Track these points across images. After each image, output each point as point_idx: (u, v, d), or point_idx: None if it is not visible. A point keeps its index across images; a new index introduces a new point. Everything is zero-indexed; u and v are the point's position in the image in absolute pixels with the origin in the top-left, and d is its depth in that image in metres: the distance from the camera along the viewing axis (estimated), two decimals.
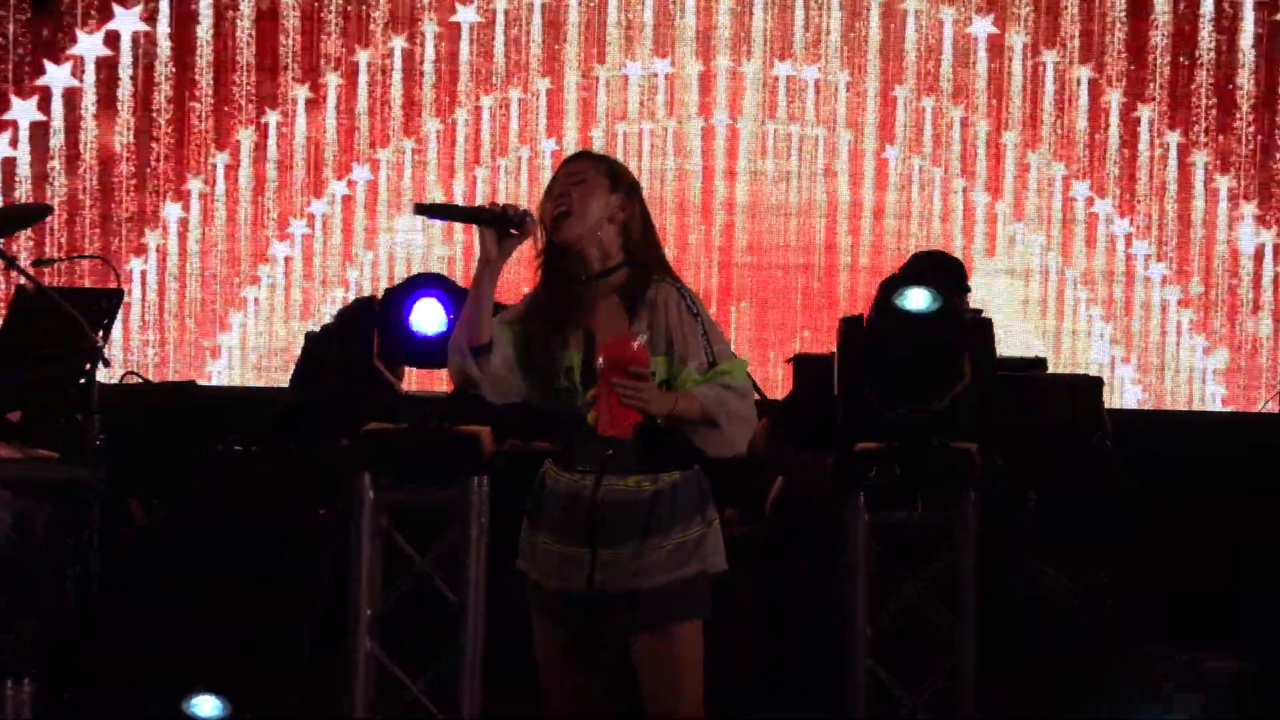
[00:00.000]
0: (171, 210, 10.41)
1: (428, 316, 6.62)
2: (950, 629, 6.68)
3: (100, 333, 7.70)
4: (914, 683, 6.73)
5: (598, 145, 10.19)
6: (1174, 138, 10.31)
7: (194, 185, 10.38)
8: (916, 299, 6.68)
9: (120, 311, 8.59)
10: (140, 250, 10.39)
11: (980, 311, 7.45)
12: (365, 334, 6.81)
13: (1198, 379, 10.23)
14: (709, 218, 10.37)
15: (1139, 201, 10.26)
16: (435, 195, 10.32)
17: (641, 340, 5.26)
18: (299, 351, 8.45)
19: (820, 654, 7.02)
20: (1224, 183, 10.20)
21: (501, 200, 5.37)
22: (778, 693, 7.36)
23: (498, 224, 5.28)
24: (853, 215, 10.33)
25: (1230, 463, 8.79)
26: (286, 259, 10.39)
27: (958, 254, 9.40)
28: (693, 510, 5.40)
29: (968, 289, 7.74)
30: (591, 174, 5.40)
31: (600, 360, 5.23)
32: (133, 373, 8.89)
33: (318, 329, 8.45)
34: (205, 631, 7.69)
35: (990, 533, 6.76)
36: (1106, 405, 7.95)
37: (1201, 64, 10.24)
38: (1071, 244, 10.29)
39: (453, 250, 10.23)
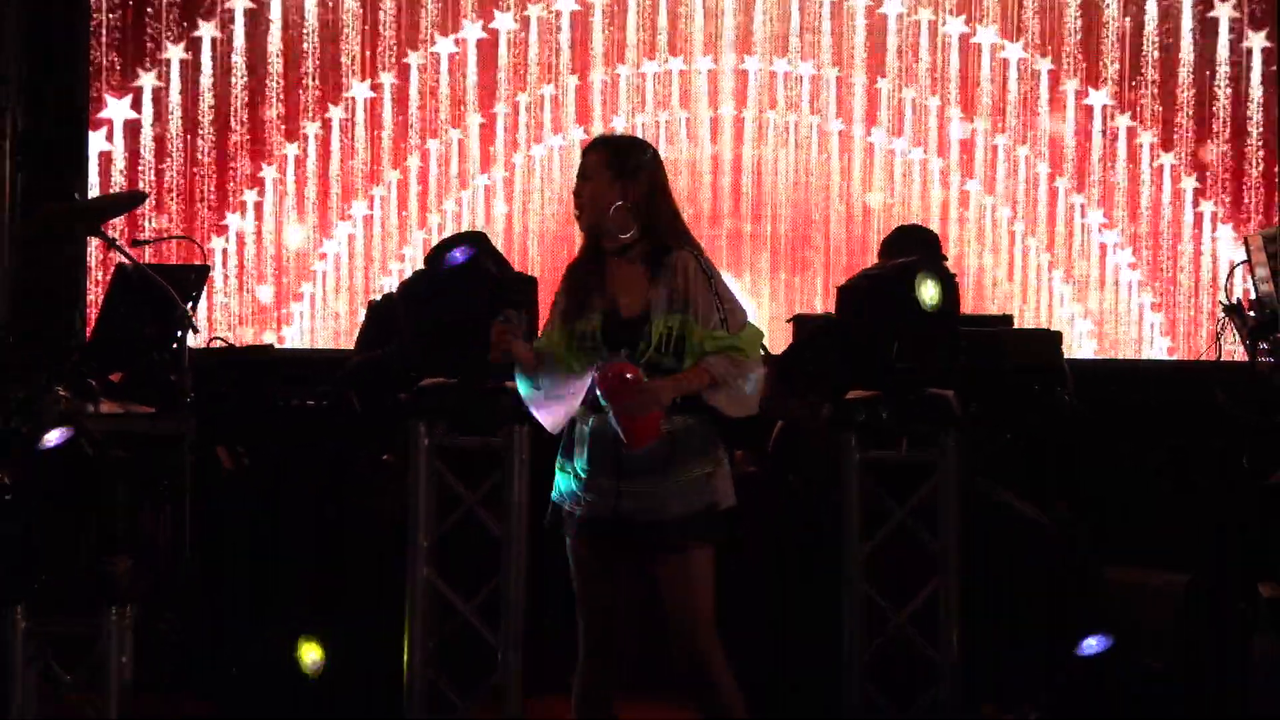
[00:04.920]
0: (248, 195, 10.54)
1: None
2: (935, 551, 6.75)
3: (190, 303, 7.88)
4: (902, 600, 6.82)
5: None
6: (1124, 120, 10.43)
7: (267, 174, 10.50)
8: (929, 295, 6.76)
9: (206, 284, 8.83)
10: (221, 230, 10.51)
11: (953, 276, 7.55)
12: (424, 302, 6.87)
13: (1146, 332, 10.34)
14: (718, 196, 10.47)
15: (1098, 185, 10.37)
16: (479, 181, 10.48)
17: (623, 358, 5.43)
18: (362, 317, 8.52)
19: (818, 576, 7.11)
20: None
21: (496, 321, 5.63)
22: (782, 610, 7.41)
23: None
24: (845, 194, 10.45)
25: (1172, 405, 8.94)
26: (349, 236, 10.48)
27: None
28: (704, 450, 5.57)
29: (944, 257, 7.72)
30: (596, 168, 5.56)
31: (600, 395, 5.40)
32: (218, 337, 8.97)
33: (379, 298, 8.50)
34: (284, 563, 7.77)
35: (966, 470, 6.84)
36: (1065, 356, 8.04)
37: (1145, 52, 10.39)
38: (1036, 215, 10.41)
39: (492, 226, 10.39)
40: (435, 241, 6.78)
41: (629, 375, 5.38)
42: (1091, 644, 6.80)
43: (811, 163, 10.42)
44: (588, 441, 5.58)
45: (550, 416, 5.64)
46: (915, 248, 7.40)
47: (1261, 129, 10.36)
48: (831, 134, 10.45)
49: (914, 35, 10.39)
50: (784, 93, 10.40)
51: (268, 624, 7.18)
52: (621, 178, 5.53)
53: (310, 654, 6.93)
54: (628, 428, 5.41)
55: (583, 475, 5.59)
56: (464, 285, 6.41)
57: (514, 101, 10.45)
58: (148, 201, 10.16)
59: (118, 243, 7.90)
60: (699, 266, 5.50)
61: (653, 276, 5.51)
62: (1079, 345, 10.23)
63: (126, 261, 7.89)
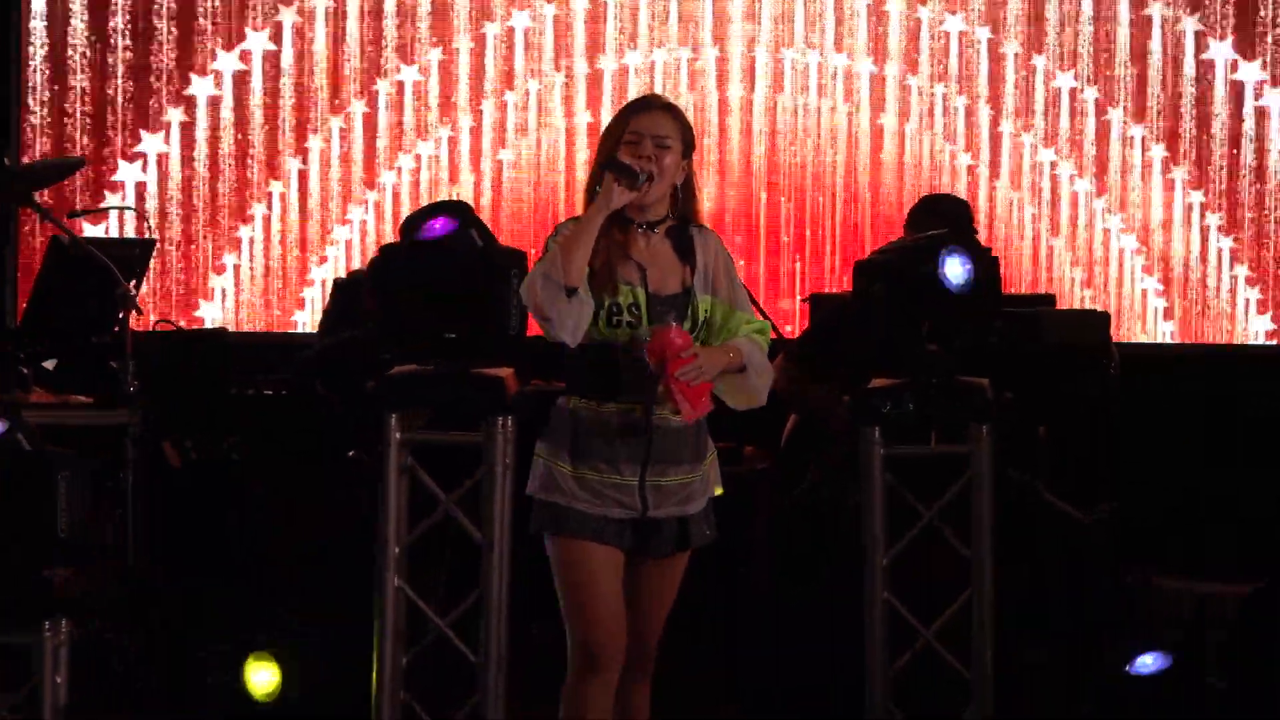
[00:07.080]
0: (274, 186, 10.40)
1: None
2: (967, 557, 6.50)
3: (133, 281, 7.80)
4: (930, 611, 6.60)
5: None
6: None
7: (292, 164, 10.37)
8: (955, 273, 6.45)
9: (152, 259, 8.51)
10: (247, 220, 10.37)
11: (989, 251, 7.27)
12: (394, 282, 6.57)
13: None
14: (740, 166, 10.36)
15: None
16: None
17: (674, 324, 5.35)
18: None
19: (837, 584, 6.92)
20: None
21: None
22: (797, 623, 7.28)
23: (639, 179, 5.37)
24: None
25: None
26: (361, 222, 10.41)
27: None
28: (707, 436, 5.53)
29: (974, 231, 7.59)
30: (674, 140, 5.45)
31: (652, 362, 5.31)
32: (164, 320, 8.84)
33: (345, 275, 8.37)
34: (238, 571, 7.62)
35: (1001, 465, 6.63)
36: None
37: None
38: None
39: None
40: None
41: (680, 342, 5.33)
42: (1147, 662, 6.49)
43: (824, 136, 10.29)
44: (602, 434, 5.45)
45: (576, 331, 5.39)
46: (943, 221, 7.18)
47: None
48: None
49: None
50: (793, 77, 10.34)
51: (220, 639, 7.11)
52: (687, 156, 5.52)
53: (261, 674, 6.95)
54: (682, 397, 5.31)
55: (599, 473, 5.45)
56: (445, 260, 6.12)
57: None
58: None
59: (51, 214, 7.64)
60: (722, 249, 5.58)
61: (683, 254, 5.50)
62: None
63: (62, 234, 7.65)
